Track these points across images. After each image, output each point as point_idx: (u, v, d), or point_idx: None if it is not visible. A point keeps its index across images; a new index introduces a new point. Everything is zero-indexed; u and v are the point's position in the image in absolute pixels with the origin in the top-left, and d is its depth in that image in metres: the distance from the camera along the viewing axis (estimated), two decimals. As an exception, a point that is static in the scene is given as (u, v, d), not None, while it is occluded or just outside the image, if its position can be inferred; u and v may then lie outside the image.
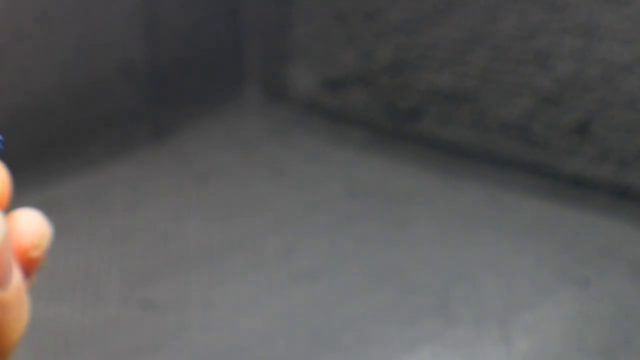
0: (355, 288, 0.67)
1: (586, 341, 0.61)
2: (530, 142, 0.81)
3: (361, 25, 0.90)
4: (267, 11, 0.96)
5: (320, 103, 0.95)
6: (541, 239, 0.73)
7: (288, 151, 0.89)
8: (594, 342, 0.61)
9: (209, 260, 0.70)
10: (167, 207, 0.79)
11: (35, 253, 0.28)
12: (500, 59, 0.81)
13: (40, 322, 0.61)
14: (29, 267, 0.29)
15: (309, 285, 0.68)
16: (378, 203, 0.79)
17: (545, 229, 0.74)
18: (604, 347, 0.60)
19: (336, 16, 0.92)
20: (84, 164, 0.84)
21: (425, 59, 0.86)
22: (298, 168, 0.86)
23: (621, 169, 0.76)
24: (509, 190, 0.79)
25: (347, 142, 0.90)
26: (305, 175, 0.85)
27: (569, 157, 0.78)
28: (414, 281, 0.68)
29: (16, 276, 0.28)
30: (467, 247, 0.72)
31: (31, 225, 0.29)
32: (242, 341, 0.62)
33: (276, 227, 0.75)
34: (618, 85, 0.74)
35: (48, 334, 0.62)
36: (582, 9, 0.75)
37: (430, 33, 0.85)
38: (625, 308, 0.64)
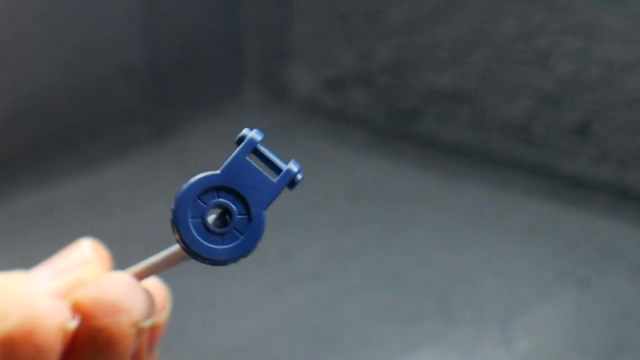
0: (355, 288, 0.67)
1: (586, 341, 0.61)
2: (530, 142, 0.81)
3: (361, 25, 0.90)
4: (267, 11, 0.96)
5: (320, 103, 0.95)
6: (541, 239, 0.73)
7: (288, 151, 0.89)
8: (594, 342, 0.61)
9: (209, 260, 0.70)
10: (167, 207, 0.78)
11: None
12: (500, 59, 0.81)
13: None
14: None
15: (309, 285, 0.68)
16: (378, 203, 0.79)
17: (545, 229, 0.74)
18: (604, 347, 0.60)
19: (336, 16, 0.92)
20: (84, 164, 0.84)
21: (425, 59, 0.86)
22: (298, 168, 0.86)
23: (621, 169, 0.76)
24: (509, 190, 0.79)
25: (347, 142, 0.90)
26: (305, 175, 0.84)
27: (569, 157, 0.78)
28: (414, 281, 0.68)
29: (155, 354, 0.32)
30: (467, 247, 0.72)
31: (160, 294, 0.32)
32: (242, 341, 0.62)
33: (276, 227, 0.75)
34: (618, 85, 0.74)
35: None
36: (582, 9, 0.75)
37: (430, 33, 0.85)
38: (626, 308, 0.64)
